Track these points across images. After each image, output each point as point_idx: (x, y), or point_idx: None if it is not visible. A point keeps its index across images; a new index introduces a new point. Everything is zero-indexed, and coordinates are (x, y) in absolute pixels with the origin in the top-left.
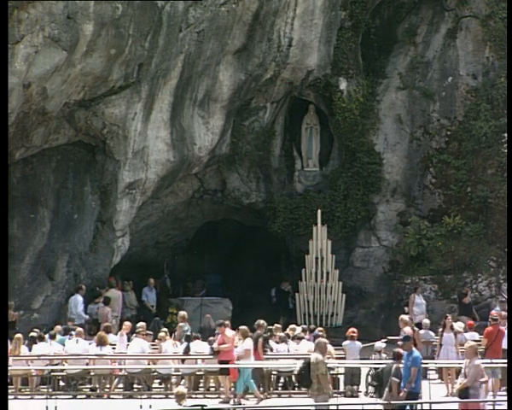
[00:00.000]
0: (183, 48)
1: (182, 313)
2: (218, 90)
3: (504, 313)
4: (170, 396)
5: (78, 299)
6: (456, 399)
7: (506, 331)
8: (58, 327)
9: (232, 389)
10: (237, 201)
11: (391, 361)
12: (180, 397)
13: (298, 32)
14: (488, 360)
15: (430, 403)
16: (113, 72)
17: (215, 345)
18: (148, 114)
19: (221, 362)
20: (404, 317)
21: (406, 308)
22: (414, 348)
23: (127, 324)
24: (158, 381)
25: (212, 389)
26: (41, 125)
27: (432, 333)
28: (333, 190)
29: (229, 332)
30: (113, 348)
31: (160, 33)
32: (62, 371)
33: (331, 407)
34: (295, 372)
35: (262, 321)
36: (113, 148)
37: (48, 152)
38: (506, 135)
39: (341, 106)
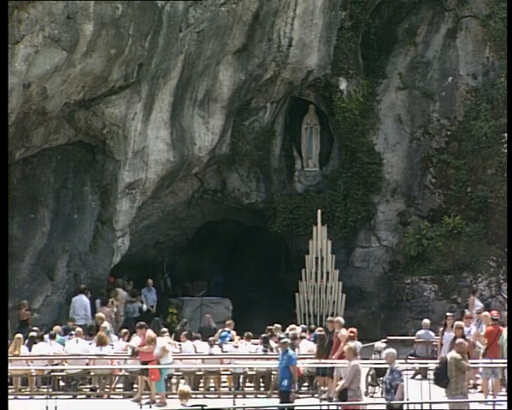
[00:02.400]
0: (183, 48)
1: (99, 314)
2: (218, 90)
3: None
4: (170, 396)
5: (84, 300)
6: (456, 399)
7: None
8: (58, 327)
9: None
10: (237, 201)
11: None
12: (184, 396)
13: (298, 32)
14: (488, 360)
15: (430, 403)
16: (113, 72)
17: (136, 346)
18: (148, 114)
19: (142, 363)
20: (339, 319)
21: (467, 311)
22: (288, 348)
23: (124, 331)
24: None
25: (212, 389)
26: (41, 125)
27: (432, 333)
28: (333, 190)
29: (149, 334)
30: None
31: (160, 33)
32: (62, 371)
33: (331, 407)
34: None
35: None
36: (113, 148)
37: (48, 152)
38: (506, 135)
39: (341, 106)
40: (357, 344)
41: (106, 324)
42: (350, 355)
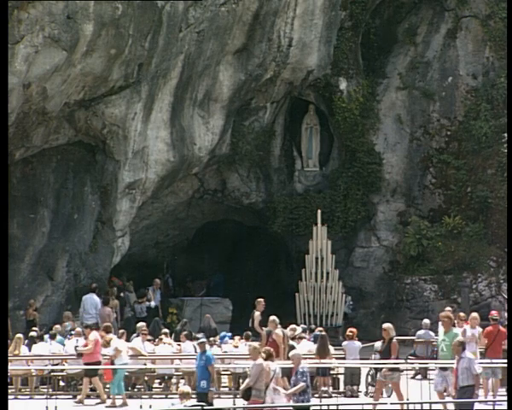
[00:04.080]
0: (183, 48)
1: (66, 313)
2: (218, 90)
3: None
4: (169, 396)
5: (95, 299)
6: (455, 399)
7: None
8: (58, 327)
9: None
10: (237, 201)
11: None
12: (184, 396)
13: (298, 32)
14: (488, 360)
15: (430, 403)
16: (113, 72)
17: (80, 347)
18: (148, 114)
19: (86, 364)
20: (274, 318)
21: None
22: (207, 348)
23: (121, 332)
24: (158, 381)
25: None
26: (41, 125)
27: (432, 333)
28: (333, 190)
29: (92, 335)
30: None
31: (160, 33)
32: (62, 371)
33: (331, 407)
34: None
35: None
36: (113, 148)
37: (48, 152)
38: (506, 135)
39: (341, 106)
40: (357, 344)
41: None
42: (254, 355)
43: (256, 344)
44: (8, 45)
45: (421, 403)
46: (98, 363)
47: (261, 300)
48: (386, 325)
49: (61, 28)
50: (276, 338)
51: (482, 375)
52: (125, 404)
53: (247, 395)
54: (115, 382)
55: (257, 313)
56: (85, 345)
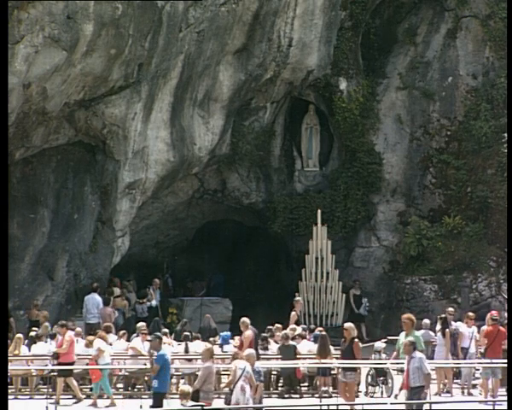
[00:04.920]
0: (183, 48)
1: (44, 312)
2: (218, 90)
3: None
4: (170, 396)
5: (97, 298)
6: (455, 399)
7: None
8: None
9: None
10: (237, 201)
11: None
12: (184, 396)
13: (298, 32)
14: (488, 360)
15: (430, 403)
16: (113, 72)
17: (55, 348)
18: (148, 114)
19: (61, 364)
20: (245, 320)
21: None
22: (163, 347)
23: (122, 332)
24: None
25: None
26: (41, 125)
27: (432, 333)
28: (333, 190)
29: (68, 335)
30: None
31: (160, 33)
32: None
33: (331, 407)
34: None
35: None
36: (113, 148)
37: (48, 152)
38: (506, 135)
39: (341, 106)
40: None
41: (47, 324)
42: (206, 357)
43: (209, 345)
44: (8, 45)
45: (421, 403)
46: (73, 363)
47: (299, 298)
48: (347, 325)
49: (61, 28)
50: (244, 339)
51: (482, 375)
52: (112, 404)
53: (195, 397)
54: (96, 383)
55: (293, 313)
56: (60, 345)
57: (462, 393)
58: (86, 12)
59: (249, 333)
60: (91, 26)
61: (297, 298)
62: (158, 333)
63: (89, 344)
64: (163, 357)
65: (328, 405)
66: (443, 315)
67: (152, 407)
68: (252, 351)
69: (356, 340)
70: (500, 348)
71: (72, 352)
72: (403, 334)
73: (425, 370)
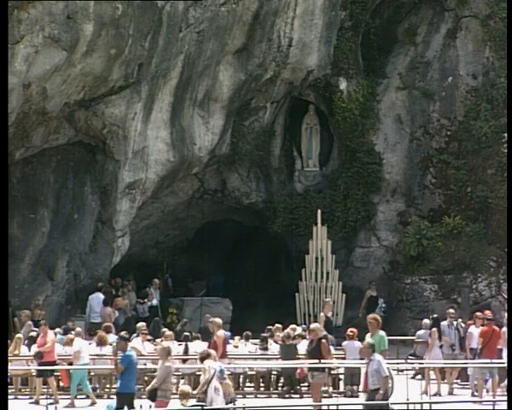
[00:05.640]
0: (183, 48)
1: (27, 311)
2: (218, 90)
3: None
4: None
5: (101, 298)
6: (455, 399)
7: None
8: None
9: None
10: (237, 201)
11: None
12: (184, 396)
13: (298, 32)
14: (486, 360)
15: (430, 403)
16: (113, 72)
17: (36, 347)
18: (148, 114)
19: (44, 364)
20: (216, 320)
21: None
22: (130, 348)
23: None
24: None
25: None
26: (41, 125)
27: None
28: (333, 190)
29: (50, 334)
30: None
31: (160, 33)
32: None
33: (331, 407)
34: None
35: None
36: (113, 148)
37: (48, 152)
38: (506, 135)
39: (341, 106)
40: (358, 344)
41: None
42: (163, 356)
43: (165, 345)
44: (8, 45)
45: (421, 403)
46: (54, 362)
47: (328, 300)
48: (313, 326)
49: (61, 28)
50: (216, 340)
51: (478, 375)
52: (93, 403)
53: (152, 395)
54: (74, 383)
55: (322, 315)
56: (42, 344)
57: (472, 394)
58: (86, 12)
59: (221, 333)
60: (91, 26)
61: (327, 299)
62: (125, 334)
63: (69, 343)
64: (129, 358)
65: (328, 405)
66: (434, 315)
67: (116, 408)
68: (212, 351)
69: (323, 340)
70: (496, 348)
71: (53, 351)
72: (368, 335)
73: (383, 373)
